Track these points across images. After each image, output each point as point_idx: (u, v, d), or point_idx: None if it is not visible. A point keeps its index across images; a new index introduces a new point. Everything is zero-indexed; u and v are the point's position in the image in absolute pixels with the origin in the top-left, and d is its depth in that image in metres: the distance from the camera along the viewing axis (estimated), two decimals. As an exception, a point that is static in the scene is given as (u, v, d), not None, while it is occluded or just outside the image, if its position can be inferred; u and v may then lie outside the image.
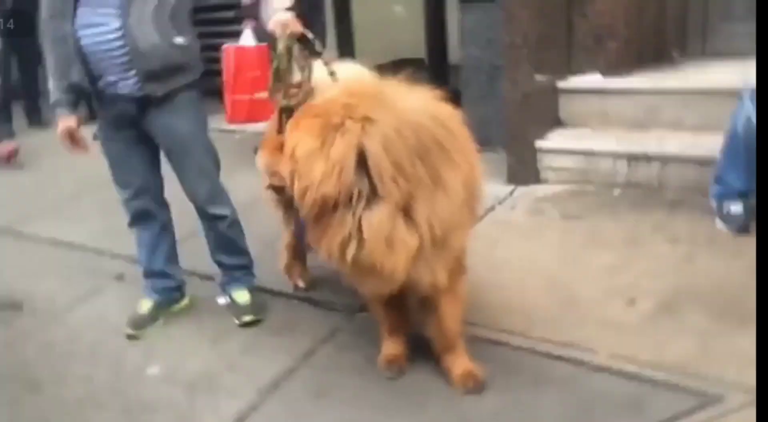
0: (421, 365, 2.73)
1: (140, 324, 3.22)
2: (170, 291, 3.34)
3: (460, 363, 2.60)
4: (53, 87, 2.93)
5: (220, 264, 3.30)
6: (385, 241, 2.17)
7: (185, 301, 3.40)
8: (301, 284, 3.40)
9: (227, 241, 3.23)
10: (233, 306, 3.24)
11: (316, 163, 2.11)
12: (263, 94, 5.68)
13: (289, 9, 2.85)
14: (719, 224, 3.51)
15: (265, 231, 3.51)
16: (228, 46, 5.45)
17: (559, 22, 4.47)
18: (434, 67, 6.37)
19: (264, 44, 6.00)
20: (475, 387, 2.54)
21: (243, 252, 3.30)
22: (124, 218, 4.58)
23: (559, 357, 2.67)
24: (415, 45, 6.65)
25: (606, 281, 3.16)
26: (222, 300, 3.34)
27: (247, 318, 3.16)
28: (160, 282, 3.30)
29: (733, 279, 3.03)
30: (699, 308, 2.86)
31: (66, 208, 5.08)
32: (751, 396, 2.30)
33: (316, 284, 3.41)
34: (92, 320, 3.40)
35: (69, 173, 6.01)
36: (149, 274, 3.31)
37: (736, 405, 2.33)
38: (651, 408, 2.37)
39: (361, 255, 2.20)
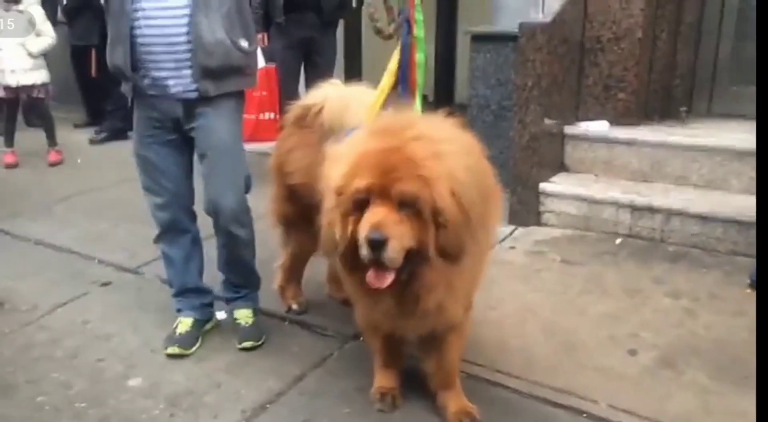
0: (414, 400, 2.64)
1: (187, 342, 3.01)
2: (208, 307, 3.17)
3: (456, 401, 2.52)
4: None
5: (227, 280, 3.16)
6: None
7: (214, 320, 3.23)
8: (294, 306, 3.31)
9: (239, 262, 3.08)
10: (235, 327, 3.10)
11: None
12: (269, 115, 5.72)
13: None
14: None
15: (260, 250, 3.42)
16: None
17: (571, 68, 4.50)
18: (439, 104, 6.39)
19: (272, 65, 6.02)
20: (472, 427, 2.45)
21: (252, 272, 3.16)
22: (113, 223, 4.58)
23: (558, 404, 2.59)
24: (422, 80, 6.68)
25: (606, 329, 3.10)
26: (221, 315, 3.24)
27: (248, 344, 3.00)
28: (197, 298, 3.13)
29: (735, 338, 2.99)
30: (700, 365, 2.81)
31: (55, 210, 4.98)
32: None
33: (309, 307, 3.33)
34: (75, 325, 3.27)
35: (60, 175, 5.95)
36: (184, 292, 3.12)
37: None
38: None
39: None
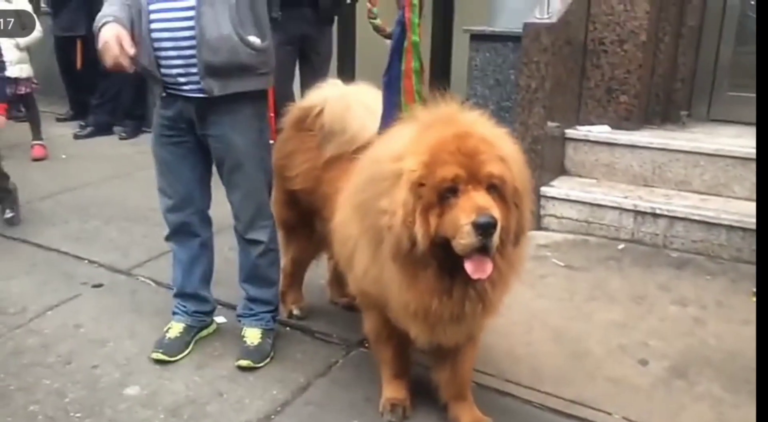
0: (424, 411, 2.56)
1: (173, 349, 2.91)
2: (203, 315, 3.06)
3: (469, 412, 2.45)
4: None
5: (245, 291, 3.02)
6: None
7: (213, 326, 3.13)
8: (296, 312, 3.21)
9: (256, 270, 2.94)
10: (239, 342, 2.94)
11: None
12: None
13: None
14: None
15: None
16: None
17: (573, 70, 4.45)
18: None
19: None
20: (486, 439, 2.38)
21: (269, 285, 3.00)
22: (102, 222, 4.44)
23: (571, 416, 2.53)
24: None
25: (615, 338, 3.05)
26: (220, 319, 3.15)
27: (244, 363, 2.85)
28: (194, 305, 3.02)
29: (746, 347, 2.94)
30: (713, 375, 2.77)
31: (42, 208, 4.81)
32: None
33: (311, 313, 3.24)
34: (67, 329, 3.15)
35: (46, 170, 5.77)
36: (182, 295, 3.02)
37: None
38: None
39: None
